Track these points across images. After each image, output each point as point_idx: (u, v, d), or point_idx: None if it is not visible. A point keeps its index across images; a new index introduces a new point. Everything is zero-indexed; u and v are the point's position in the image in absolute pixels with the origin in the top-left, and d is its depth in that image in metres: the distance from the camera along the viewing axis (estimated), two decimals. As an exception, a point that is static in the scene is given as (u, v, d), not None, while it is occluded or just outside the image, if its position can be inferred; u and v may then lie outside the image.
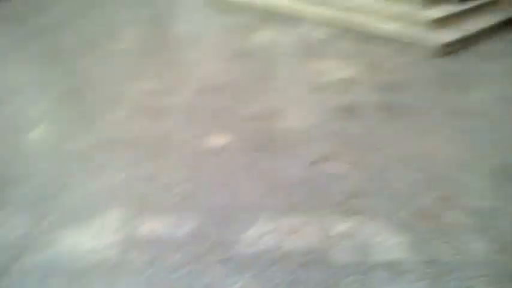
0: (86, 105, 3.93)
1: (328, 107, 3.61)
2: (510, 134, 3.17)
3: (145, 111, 3.71)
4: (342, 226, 2.35)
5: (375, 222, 2.36)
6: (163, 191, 2.72)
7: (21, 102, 4.07)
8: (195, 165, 2.94)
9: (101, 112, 3.74)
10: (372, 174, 2.74)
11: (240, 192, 2.66)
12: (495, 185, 2.62)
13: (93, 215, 2.56)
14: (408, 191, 2.58)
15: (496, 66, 4.30)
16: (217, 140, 3.19)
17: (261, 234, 2.32)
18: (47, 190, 2.81)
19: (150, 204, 2.62)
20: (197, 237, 2.34)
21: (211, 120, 3.47)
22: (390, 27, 5.02)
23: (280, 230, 2.34)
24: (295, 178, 2.74)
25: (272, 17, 5.91)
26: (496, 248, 2.17)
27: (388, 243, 2.22)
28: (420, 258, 2.14)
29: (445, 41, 4.61)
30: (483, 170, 2.76)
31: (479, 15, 5.41)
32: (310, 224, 2.36)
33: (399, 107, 3.57)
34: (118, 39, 5.49)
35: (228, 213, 2.49)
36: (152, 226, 2.44)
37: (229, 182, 2.76)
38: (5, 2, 7.63)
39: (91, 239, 2.39)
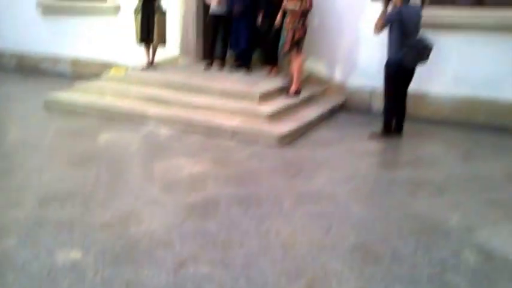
0: None
1: (182, 205, 3.57)
2: (350, 212, 3.51)
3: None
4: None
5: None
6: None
7: None
8: (42, 290, 2.58)
9: None
10: (236, 272, 2.72)
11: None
12: (355, 266, 2.80)
13: None
14: (274, 285, 2.61)
15: (332, 152, 4.82)
16: (68, 256, 2.87)
17: None
18: None
19: None
20: None
21: (59, 234, 3.13)
22: (233, 122, 5.34)
23: None
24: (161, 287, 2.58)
25: (116, 118, 5.83)
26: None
27: None
28: None
29: (283, 133, 5.05)
30: (341, 251, 2.95)
31: (311, 105, 6.12)
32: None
33: (252, 199, 3.69)
34: None
35: None
36: None
37: (85, 305, 2.46)
38: None
39: None
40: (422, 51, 4.86)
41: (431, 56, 4.96)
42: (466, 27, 5.75)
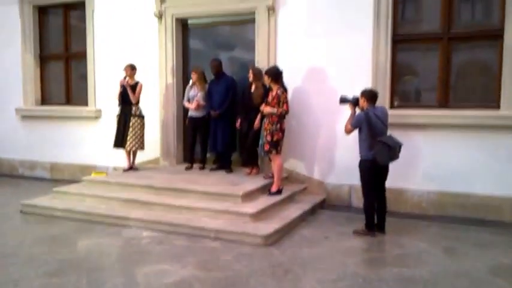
0: None
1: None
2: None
3: None
4: None
5: None
6: None
7: None
8: None
9: None
10: None
11: None
12: None
13: None
14: None
15: (317, 251, 4.80)
16: None
17: None
18: None
19: None
20: None
21: None
22: (217, 223, 5.32)
23: None
24: None
25: (96, 223, 5.73)
26: None
27: None
28: None
29: (268, 232, 5.04)
30: None
31: (292, 204, 6.20)
32: None
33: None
34: None
35: None
36: None
37: None
38: None
39: None
40: (393, 150, 5.09)
41: (401, 153, 5.20)
42: (432, 126, 6.12)
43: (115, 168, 7.88)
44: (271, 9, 6.81)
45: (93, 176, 7.15)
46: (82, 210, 6.04)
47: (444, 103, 6.18)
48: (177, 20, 7.61)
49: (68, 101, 8.88)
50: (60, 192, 6.66)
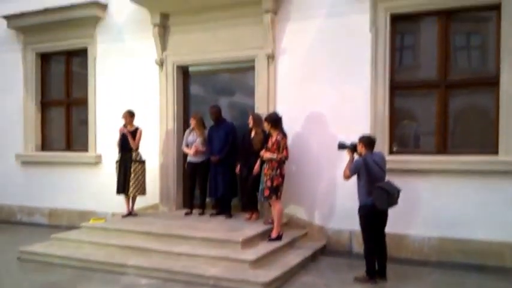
0: None
1: None
2: None
3: None
4: None
5: None
6: None
7: None
8: None
9: None
10: None
11: None
12: None
13: None
14: None
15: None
16: None
17: None
18: None
19: None
20: None
21: None
22: (216, 269, 5.24)
23: None
24: None
25: (94, 270, 5.64)
26: None
27: None
28: None
29: (268, 280, 4.95)
30: None
31: (293, 250, 6.13)
32: None
33: None
34: None
35: None
36: None
37: None
38: None
39: None
40: (391, 195, 5.08)
41: (401, 199, 5.19)
42: (431, 172, 6.13)
43: (114, 214, 7.82)
44: (271, 57, 6.98)
45: (91, 222, 7.09)
46: (80, 257, 5.96)
47: (443, 149, 6.23)
48: (178, 67, 7.78)
49: (69, 146, 8.94)
50: (58, 238, 6.60)
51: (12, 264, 6.07)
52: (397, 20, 6.44)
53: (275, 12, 6.93)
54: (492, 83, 6.01)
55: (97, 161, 8.36)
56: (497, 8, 5.89)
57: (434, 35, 6.32)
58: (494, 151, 5.91)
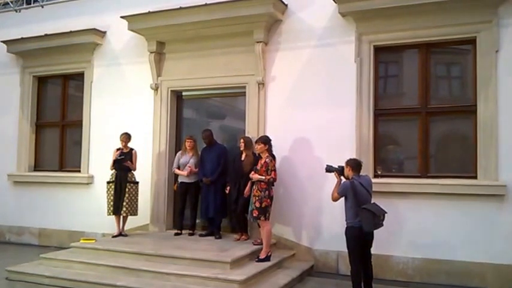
0: None
1: None
2: None
3: None
4: None
5: None
6: None
7: None
8: None
9: None
10: None
11: None
12: None
13: None
14: None
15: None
16: None
17: None
18: None
19: None
20: None
21: None
22: (206, 290, 5.33)
23: None
24: None
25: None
26: None
27: None
28: None
29: (256, 299, 5.06)
30: None
31: (281, 270, 6.25)
32: None
33: None
34: None
35: None
36: None
37: None
38: None
39: None
40: (377, 217, 5.26)
41: (386, 220, 5.38)
42: (414, 194, 6.34)
43: (104, 235, 7.90)
44: (261, 84, 7.27)
45: (81, 242, 7.14)
46: (69, 277, 5.96)
47: (425, 172, 6.48)
48: (172, 91, 8.03)
49: (61, 167, 9.05)
50: (48, 258, 6.59)
51: (0, 285, 6.06)
52: (380, 51, 6.79)
53: (266, 42, 7.26)
54: (470, 110, 6.31)
55: (89, 182, 8.48)
56: (473, 41, 6.26)
57: (416, 65, 6.67)
58: (474, 175, 6.17)
